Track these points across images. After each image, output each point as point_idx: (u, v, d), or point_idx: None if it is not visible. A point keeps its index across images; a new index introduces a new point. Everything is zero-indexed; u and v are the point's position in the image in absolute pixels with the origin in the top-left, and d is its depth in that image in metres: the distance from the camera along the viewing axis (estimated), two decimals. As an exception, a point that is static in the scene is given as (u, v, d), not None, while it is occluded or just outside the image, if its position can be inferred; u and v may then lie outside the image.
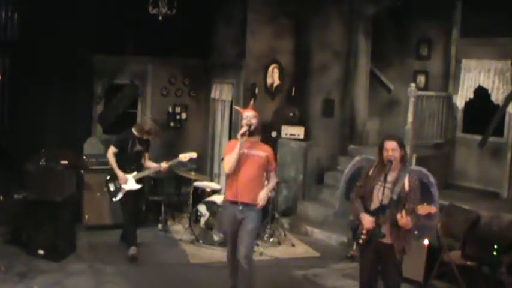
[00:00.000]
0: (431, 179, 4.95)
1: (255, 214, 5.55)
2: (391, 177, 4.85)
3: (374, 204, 4.88)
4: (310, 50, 9.71)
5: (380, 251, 4.90)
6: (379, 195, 4.84)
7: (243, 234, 5.49)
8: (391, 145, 4.89)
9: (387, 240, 4.83)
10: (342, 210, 5.39)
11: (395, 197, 4.77)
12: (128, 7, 9.05)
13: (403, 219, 4.66)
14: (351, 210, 5.15)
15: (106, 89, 10.02)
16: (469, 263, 6.13)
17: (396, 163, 4.87)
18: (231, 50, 9.89)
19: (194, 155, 7.44)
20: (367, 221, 4.86)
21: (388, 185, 4.82)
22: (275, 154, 8.77)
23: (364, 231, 4.89)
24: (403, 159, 4.93)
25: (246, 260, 5.44)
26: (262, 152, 5.66)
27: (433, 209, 4.60)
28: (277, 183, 7.73)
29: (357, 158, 5.42)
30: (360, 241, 4.94)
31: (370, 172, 5.03)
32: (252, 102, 6.10)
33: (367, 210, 4.92)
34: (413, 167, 5.24)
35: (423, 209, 4.60)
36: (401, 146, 4.92)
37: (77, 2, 8.84)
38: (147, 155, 7.30)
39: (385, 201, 4.81)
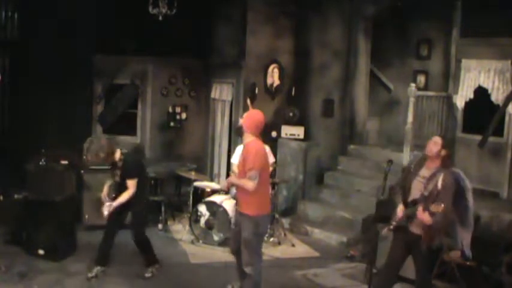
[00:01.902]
0: (467, 183, 5.07)
1: (247, 223, 5.40)
2: (427, 173, 5.05)
3: (411, 197, 5.11)
4: (310, 50, 9.71)
5: (410, 240, 5.10)
6: (416, 189, 5.08)
7: (241, 243, 5.50)
8: (434, 139, 5.11)
9: (417, 231, 5.03)
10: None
11: (426, 193, 4.96)
12: (128, 7, 9.05)
13: (421, 214, 4.87)
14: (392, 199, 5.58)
15: (106, 89, 10.03)
16: (469, 263, 6.13)
17: (434, 160, 5.04)
18: (231, 50, 9.89)
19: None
20: (399, 210, 5.21)
21: (422, 180, 5.04)
22: (275, 154, 8.84)
23: (396, 219, 5.21)
24: (445, 160, 5.05)
25: (247, 268, 5.44)
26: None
27: (440, 207, 4.70)
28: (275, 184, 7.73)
29: (412, 156, 5.57)
30: (391, 227, 5.24)
31: (414, 166, 5.25)
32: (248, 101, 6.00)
33: (405, 201, 5.17)
34: (454, 168, 5.28)
35: (434, 207, 4.76)
36: (445, 145, 5.07)
37: (77, 1, 8.84)
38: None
39: (418, 196, 5.01)
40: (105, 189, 6.29)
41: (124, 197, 6.06)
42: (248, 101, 5.86)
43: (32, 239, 6.81)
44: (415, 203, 5.02)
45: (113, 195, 6.24)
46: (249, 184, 5.28)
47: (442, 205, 4.69)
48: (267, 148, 5.81)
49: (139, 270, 6.45)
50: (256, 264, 5.47)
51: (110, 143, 6.10)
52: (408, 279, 5.90)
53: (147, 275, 6.40)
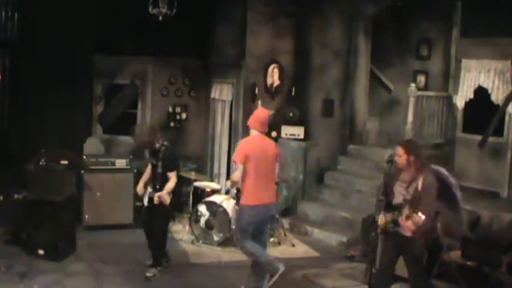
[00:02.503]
0: (451, 179, 5.11)
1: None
2: (407, 177, 5.10)
3: (396, 200, 5.16)
4: (310, 50, 9.71)
5: (400, 242, 5.13)
6: (398, 193, 5.13)
7: None
8: (397, 151, 5.15)
9: (406, 232, 5.04)
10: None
11: (408, 197, 5.02)
12: (128, 7, 9.05)
13: (404, 222, 4.93)
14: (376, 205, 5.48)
15: (106, 89, 10.03)
16: (469, 263, 6.13)
17: (408, 169, 5.07)
18: (231, 50, 9.89)
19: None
20: (381, 219, 5.18)
21: (404, 184, 5.09)
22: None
23: (380, 225, 5.22)
24: (416, 164, 5.06)
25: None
26: None
27: (420, 220, 4.76)
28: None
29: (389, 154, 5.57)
30: (379, 231, 5.24)
31: (393, 170, 5.28)
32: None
33: (390, 205, 5.18)
34: (434, 167, 5.32)
35: (414, 219, 4.82)
36: (408, 152, 5.08)
37: (77, 1, 8.84)
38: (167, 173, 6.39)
39: (402, 200, 5.06)
40: (141, 183, 6.54)
41: (171, 185, 6.27)
42: (259, 102, 6.23)
43: (32, 239, 6.81)
44: (398, 208, 5.07)
45: (156, 185, 6.38)
46: (231, 175, 5.88)
47: (423, 216, 4.75)
48: (271, 143, 5.96)
49: (139, 270, 6.45)
50: (243, 249, 5.84)
51: (154, 131, 6.41)
52: (408, 279, 5.91)
53: (148, 274, 6.39)
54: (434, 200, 4.97)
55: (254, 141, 5.81)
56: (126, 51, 9.75)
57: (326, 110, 9.59)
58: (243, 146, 5.80)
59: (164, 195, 6.24)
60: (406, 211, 4.96)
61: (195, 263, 7.04)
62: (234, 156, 5.71)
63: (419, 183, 4.98)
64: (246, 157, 5.64)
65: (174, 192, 6.41)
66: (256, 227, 5.83)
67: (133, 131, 6.59)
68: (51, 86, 8.97)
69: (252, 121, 5.84)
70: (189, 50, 10.19)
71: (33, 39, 8.83)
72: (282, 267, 5.76)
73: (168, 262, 6.74)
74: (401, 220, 4.95)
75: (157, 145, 6.34)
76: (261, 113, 5.99)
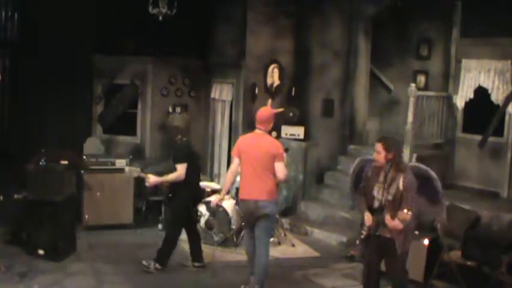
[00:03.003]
0: (431, 173, 5.07)
1: None
2: (387, 177, 5.00)
3: (376, 202, 5.06)
4: (310, 50, 9.70)
5: (383, 246, 5.08)
6: (379, 195, 5.02)
7: None
8: (376, 147, 5.07)
9: (388, 234, 5.00)
10: (354, 202, 5.95)
11: (390, 197, 4.94)
12: (128, 7, 9.05)
13: (391, 222, 4.88)
14: (357, 208, 5.42)
15: (106, 89, 10.03)
16: (469, 263, 6.13)
17: (382, 163, 5.01)
18: (231, 50, 9.89)
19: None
20: (368, 218, 5.09)
21: (385, 186, 4.99)
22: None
23: (365, 228, 5.12)
24: (396, 161, 4.99)
25: None
26: None
27: (407, 217, 4.73)
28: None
29: (357, 160, 5.52)
30: (362, 236, 5.16)
31: (369, 173, 5.17)
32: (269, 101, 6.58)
33: (370, 208, 5.09)
34: (411, 163, 5.32)
35: (401, 215, 4.78)
36: (388, 148, 5.00)
37: (77, 2, 8.84)
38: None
39: (383, 201, 4.97)
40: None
41: (171, 176, 6.32)
42: (269, 101, 6.49)
43: (32, 239, 6.81)
44: (382, 208, 4.99)
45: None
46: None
47: (409, 212, 4.71)
48: (270, 142, 5.99)
49: (139, 270, 6.45)
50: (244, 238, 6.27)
51: (188, 124, 6.79)
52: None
53: (144, 262, 6.42)
54: (415, 197, 4.91)
55: (249, 138, 6.02)
56: (126, 51, 9.75)
57: (326, 110, 9.59)
58: (239, 141, 6.15)
59: (150, 178, 6.36)
60: (388, 212, 4.89)
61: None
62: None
63: (400, 182, 4.90)
64: (239, 152, 5.95)
65: (192, 193, 6.52)
66: (247, 221, 6.01)
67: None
68: (51, 86, 8.97)
69: (256, 119, 6.01)
70: (189, 50, 10.19)
71: (33, 39, 8.83)
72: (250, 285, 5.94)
73: (202, 267, 6.69)
74: (387, 220, 4.86)
75: (178, 137, 6.52)
76: (261, 111, 6.03)
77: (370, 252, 5.21)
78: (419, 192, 5.01)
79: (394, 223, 4.84)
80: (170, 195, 6.60)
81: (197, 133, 10.66)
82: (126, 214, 8.13)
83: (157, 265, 6.45)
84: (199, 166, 6.89)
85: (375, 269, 5.26)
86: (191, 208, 6.60)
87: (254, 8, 9.48)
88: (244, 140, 6.07)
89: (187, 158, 6.41)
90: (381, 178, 5.01)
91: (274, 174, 5.81)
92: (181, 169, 6.33)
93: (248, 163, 5.84)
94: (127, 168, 6.60)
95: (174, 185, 6.47)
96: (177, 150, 6.49)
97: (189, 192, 6.50)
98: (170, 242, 6.49)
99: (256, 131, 5.98)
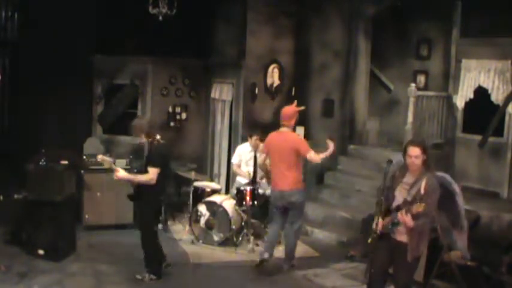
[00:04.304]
0: (455, 186, 4.93)
1: None
2: (411, 179, 4.93)
3: (395, 204, 4.98)
4: (310, 50, 9.71)
5: (394, 249, 4.99)
6: (399, 196, 4.95)
7: None
8: (414, 152, 4.89)
9: (402, 238, 4.92)
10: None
11: (409, 198, 4.83)
12: (128, 7, 9.05)
13: (403, 217, 4.73)
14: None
15: (106, 89, 10.03)
16: (469, 263, 6.13)
17: (418, 166, 4.90)
18: (231, 50, 9.89)
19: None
20: (379, 222, 4.99)
21: (406, 187, 4.91)
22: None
23: (375, 230, 5.00)
24: (425, 163, 4.94)
25: None
26: None
27: (420, 208, 4.60)
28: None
29: (393, 164, 5.31)
30: (370, 240, 5.05)
31: (397, 173, 5.10)
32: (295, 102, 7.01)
33: (388, 209, 4.99)
34: (438, 173, 5.18)
35: (415, 208, 4.65)
36: (424, 151, 4.92)
37: (76, 2, 8.84)
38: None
39: (401, 202, 4.88)
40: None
41: (142, 177, 6.10)
42: (295, 102, 7.02)
43: (32, 239, 6.81)
44: (398, 209, 4.88)
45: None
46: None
47: (423, 204, 4.59)
48: (291, 138, 6.69)
49: (139, 270, 6.45)
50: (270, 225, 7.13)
51: (153, 124, 6.56)
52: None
53: (138, 276, 6.26)
54: (434, 204, 4.79)
55: (276, 136, 6.76)
56: (126, 51, 9.75)
57: (326, 110, 9.59)
58: (268, 138, 6.87)
59: (119, 172, 6.11)
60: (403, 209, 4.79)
61: (195, 263, 7.04)
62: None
63: (423, 184, 4.82)
64: (268, 148, 6.82)
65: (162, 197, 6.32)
66: (276, 208, 6.86)
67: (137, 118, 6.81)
68: (51, 86, 8.97)
69: (280, 117, 6.77)
70: (189, 50, 10.18)
71: (33, 39, 8.83)
72: (265, 255, 6.73)
73: (168, 266, 6.55)
74: (400, 215, 4.74)
75: (150, 139, 6.16)
76: (286, 109, 6.80)
77: (379, 251, 5.08)
78: (439, 206, 4.87)
79: (405, 218, 4.71)
80: (137, 191, 6.27)
81: (197, 133, 10.67)
82: (126, 214, 8.11)
83: (152, 276, 6.26)
84: (170, 172, 6.63)
85: (380, 268, 5.15)
86: (159, 211, 6.41)
87: (254, 8, 9.48)
88: (272, 137, 6.79)
89: (162, 162, 6.13)
90: (405, 179, 4.95)
91: (299, 166, 6.66)
92: (153, 173, 6.02)
93: (277, 158, 6.66)
94: (100, 156, 6.26)
95: (142, 187, 6.15)
96: (153, 152, 6.14)
97: (157, 197, 6.26)
98: (148, 245, 6.27)
99: (282, 129, 6.71)
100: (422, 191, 4.80)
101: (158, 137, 6.23)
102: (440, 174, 5.18)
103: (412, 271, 5.08)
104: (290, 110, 6.75)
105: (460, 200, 4.92)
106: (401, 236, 4.92)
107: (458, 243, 5.77)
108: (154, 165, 6.05)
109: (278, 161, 6.65)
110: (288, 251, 6.86)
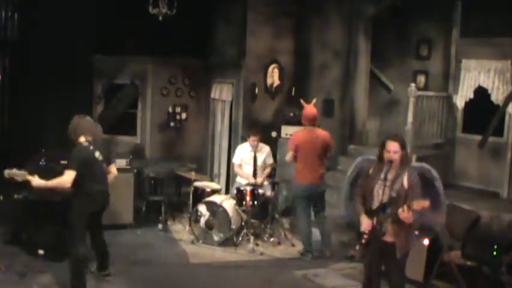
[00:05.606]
0: (434, 173, 5.00)
1: None
2: (390, 175, 4.90)
3: (375, 203, 4.95)
4: (310, 50, 9.70)
5: (383, 250, 4.98)
6: (380, 194, 4.91)
7: None
8: (392, 147, 4.90)
9: (389, 238, 4.91)
10: (348, 213, 5.51)
11: (393, 194, 4.82)
12: (127, 7, 9.05)
13: (404, 213, 4.69)
14: (353, 212, 5.24)
15: (106, 89, 10.02)
16: (469, 263, 6.13)
17: (396, 162, 4.90)
18: (231, 50, 9.89)
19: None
20: (365, 223, 4.96)
21: (388, 183, 4.87)
22: (274, 154, 8.86)
23: (366, 232, 4.95)
24: (404, 158, 4.94)
25: None
26: None
27: (426, 203, 4.61)
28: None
29: (358, 159, 5.45)
30: (363, 241, 4.97)
31: (371, 171, 5.09)
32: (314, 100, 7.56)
33: (369, 209, 4.98)
34: (414, 163, 5.26)
35: (418, 204, 4.64)
36: (403, 147, 4.94)
37: (77, 2, 8.83)
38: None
39: (385, 200, 4.86)
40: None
41: (52, 181, 5.61)
42: (314, 100, 7.57)
43: (32, 239, 6.81)
44: (383, 207, 4.86)
45: None
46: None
47: (427, 201, 4.59)
48: (323, 131, 7.36)
49: (139, 270, 6.45)
50: (298, 221, 7.57)
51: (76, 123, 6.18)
52: (408, 279, 5.90)
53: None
54: (420, 195, 4.79)
55: (304, 133, 7.27)
56: (126, 51, 9.75)
57: (326, 110, 9.59)
58: (294, 137, 7.39)
59: (33, 181, 5.57)
60: (396, 209, 4.76)
61: (195, 263, 7.04)
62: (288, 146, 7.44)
63: (405, 179, 4.83)
64: (295, 145, 7.19)
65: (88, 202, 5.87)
66: (307, 202, 7.33)
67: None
68: (51, 86, 8.96)
69: (302, 119, 7.34)
70: (189, 50, 10.20)
71: (33, 39, 8.82)
72: (308, 256, 7.31)
73: (107, 275, 6.27)
74: (401, 212, 4.68)
75: (80, 140, 5.95)
76: (309, 110, 7.29)
77: (371, 253, 5.11)
78: (423, 194, 4.88)
79: (406, 215, 4.67)
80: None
81: (197, 133, 10.68)
82: (126, 214, 8.12)
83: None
84: (100, 174, 6.02)
85: (375, 270, 5.19)
86: (89, 218, 5.93)
87: (254, 8, 9.48)
88: (303, 136, 7.26)
89: (80, 164, 5.71)
90: (383, 176, 4.90)
91: (325, 160, 7.28)
92: (68, 176, 5.59)
93: (310, 154, 7.12)
94: (7, 172, 5.58)
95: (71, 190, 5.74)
96: (70, 154, 5.84)
97: (87, 202, 5.85)
98: (74, 263, 5.79)
99: (308, 127, 7.23)
100: (406, 186, 4.82)
101: (83, 139, 5.96)
102: (417, 164, 5.25)
103: (403, 267, 5.08)
104: (314, 110, 7.31)
105: (439, 185, 5.00)
106: (389, 237, 4.92)
107: (438, 225, 5.87)
108: (69, 168, 5.67)
109: (312, 157, 7.14)
110: (325, 237, 7.44)
